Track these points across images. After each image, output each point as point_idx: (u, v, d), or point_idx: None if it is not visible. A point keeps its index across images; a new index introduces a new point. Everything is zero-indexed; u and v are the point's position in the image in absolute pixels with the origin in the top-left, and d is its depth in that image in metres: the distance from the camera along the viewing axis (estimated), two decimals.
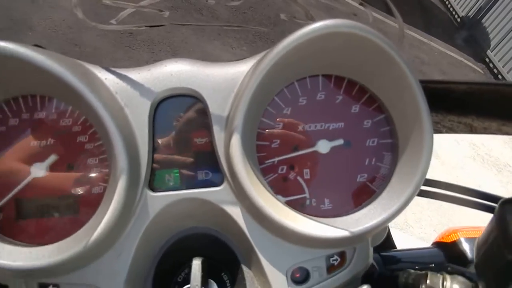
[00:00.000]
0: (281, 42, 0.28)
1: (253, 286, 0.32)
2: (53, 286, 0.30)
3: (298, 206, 0.32)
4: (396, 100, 0.31)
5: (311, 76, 0.32)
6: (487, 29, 6.52)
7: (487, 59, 6.31)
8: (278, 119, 0.33)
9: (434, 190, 0.45)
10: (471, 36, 6.98)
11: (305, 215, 0.30)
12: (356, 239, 0.30)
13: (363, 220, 0.29)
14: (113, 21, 0.33)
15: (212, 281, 0.31)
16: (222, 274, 0.33)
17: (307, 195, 0.32)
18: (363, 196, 0.32)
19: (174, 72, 0.30)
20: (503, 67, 5.82)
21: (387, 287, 0.35)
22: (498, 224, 0.27)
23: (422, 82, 0.31)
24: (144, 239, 0.31)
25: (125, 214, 0.30)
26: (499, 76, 5.84)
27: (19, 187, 0.29)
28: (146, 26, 0.34)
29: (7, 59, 0.27)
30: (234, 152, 0.28)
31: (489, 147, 4.10)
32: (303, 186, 0.32)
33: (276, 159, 0.32)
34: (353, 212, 0.31)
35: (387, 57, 0.30)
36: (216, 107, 0.30)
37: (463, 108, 0.36)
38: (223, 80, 0.30)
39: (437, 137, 0.34)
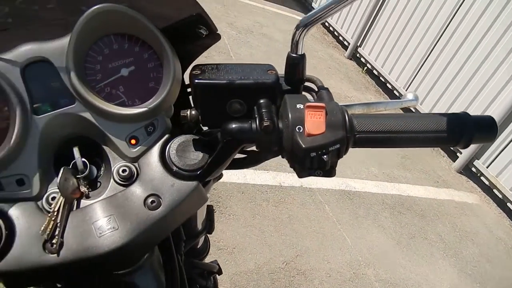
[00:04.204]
0: (78, 21, 0.51)
1: (113, 156, 0.53)
2: None
3: (121, 106, 0.54)
4: (153, 40, 0.55)
5: (106, 35, 0.54)
6: None
7: None
8: (95, 63, 0.54)
9: None
10: None
11: (125, 107, 0.54)
12: (154, 111, 0.54)
13: (153, 102, 0.54)
14: None
15: (87, 162, 0.52)
16: (95, 158, 0.54)
17: (125, 99, 0.55)
18: (153, 92, 0.56)
19: (29, 49, 0.51)
20: None
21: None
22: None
23: (162, 29, 0.55)
24: (41, 142, 0.50)
25: (25, 129, 0.49)
26: (326, 24, 6.62)
27: None
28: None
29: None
30: (74, 82, 0.50)
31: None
32: (121, 95, 0.55)
33: (101, 83, 0.54)
34: (149, 100, 0.55)
35: (135, 19, 0.53)
36: (58, 62, 0.51)
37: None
38: (57, 46, 0.52)
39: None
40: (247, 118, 0.52)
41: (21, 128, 0.48)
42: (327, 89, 0.55)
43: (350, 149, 0.51)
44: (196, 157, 0.53)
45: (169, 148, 0.54)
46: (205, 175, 0.53)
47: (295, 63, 0.54)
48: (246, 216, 2.42)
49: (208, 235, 0.95)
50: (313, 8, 6.48)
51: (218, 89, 0.52)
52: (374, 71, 5.43)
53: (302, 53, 0.54)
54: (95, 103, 0.51)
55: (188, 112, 0.55)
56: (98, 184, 0.53)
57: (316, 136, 0.47)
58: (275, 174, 2.89)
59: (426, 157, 4.13)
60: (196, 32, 0.57)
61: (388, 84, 5.17)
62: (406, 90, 4.82)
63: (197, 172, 0.53)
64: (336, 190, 3.03)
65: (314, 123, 0.47)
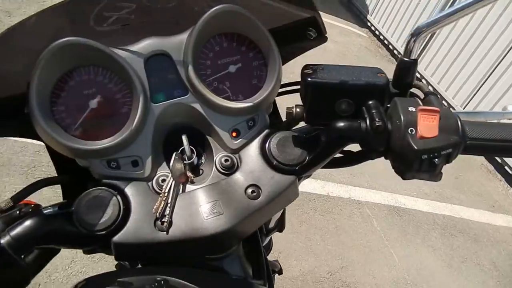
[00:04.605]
0: (200, 20, 0.55)
1: (215, 146, 0.57)
2: (113, 161, 0.53)
3: (227, 100, 0.58)
4: (261, 40, 0.59)
5: (217, 34, 0.59)
6: None
7: (368, 24, 6.99)
8: (207, 59, 0.58)
9: None
10: (352, 5, 7.64)
11: (230, 101, 0.57)
12: (256, 107, 0.57)
13: (257, 99, 0.57)
14: None
15: (193, 148, 0.57)
16: (197, 147, 0.58)
17: (230, 94, 0.59)
18: (256, 89, 0.59)
19: (151, 43, 0.57)
20: (382, 28, 6.50)
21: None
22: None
23: (269, 30, 0.59)
24: (156, 128, 0.55)
25: (145, 115, 0.54)
26: (381, 37, 6.52)
27: (86, 113, 0.53)
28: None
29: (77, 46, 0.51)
30: (191, 75, 0.55)
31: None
32: (227, 90, 0.59)
33: (210, 78, 0.58)
34: (252, 96, 0.58)
35: (248, 19, 0.57)
36: (176, 56, 0.56)
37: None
38: (176, 42, 0.57)
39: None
40: (353, 118, 0.53)
41: (142, 113, 0.53)
42: (435, 94, 0.56)
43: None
44: (296, 152, 0.56)
45: (269, 143, 0.57)
46: (303, 171, 0.55)
47: (407, 67, 0.56)
48: (293, 222, 2.43)
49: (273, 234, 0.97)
50: (368, 21, 6.39)
51: (330, 88, 0.54)
52: (430, 87, 5.26)
53: (415, 58, 0.55)
54: (206, 95, 0.55)
55: (294, 109, 0.58)
56: (201, 171, 0.57)
57: (428, 139, 0.47)
58: (324, 183, 2.88)
59: (481, 180, 3.93)
60: (305, 34, 0.60)
61: (444, 101, 4.99)
62: (463, 109, 4.63)
63: (296, 167, 0.55)
64: (385, 205, 2.96)
65: (427, 126, 0.48)
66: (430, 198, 3.28)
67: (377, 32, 6.71)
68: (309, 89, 0.54)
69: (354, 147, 0.56)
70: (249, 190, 0.53)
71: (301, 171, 0.55)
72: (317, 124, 0.58)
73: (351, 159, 0.62)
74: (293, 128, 0.63)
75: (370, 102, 0.53)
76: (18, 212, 0.50)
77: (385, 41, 6.41)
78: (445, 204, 3.31)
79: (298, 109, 0.57)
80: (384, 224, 2.77)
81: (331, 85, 0.54)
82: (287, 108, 0.58)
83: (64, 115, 0.53)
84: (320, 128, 0.56)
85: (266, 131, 0.58)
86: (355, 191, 2.95)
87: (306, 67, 0.56)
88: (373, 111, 0.51)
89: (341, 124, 0.52)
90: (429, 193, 3.33)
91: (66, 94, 0.53)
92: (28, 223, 0.45)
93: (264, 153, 0.56)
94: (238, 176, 0.55)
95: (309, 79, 0.54)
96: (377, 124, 0.50)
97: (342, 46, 5.70)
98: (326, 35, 0.60)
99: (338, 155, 0.59)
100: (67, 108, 0.53)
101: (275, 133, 0.57)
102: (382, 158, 0.55)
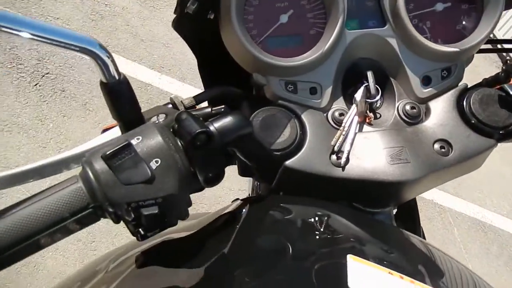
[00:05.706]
0: None
1: (399, 91, 0.52)
2: (291, 84, 0.50)
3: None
4: None
5: None
6: None
7: None
8: None
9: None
10: None
11: (433, 43, 0.51)
12: (457, 55, 0.51)
13: (463, 45, 0.51)
14: None
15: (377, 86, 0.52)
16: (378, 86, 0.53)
17: (429, 35, 0.53)
18: (457, 36, 0.53)
19: None
20: (499, 31, 5.89)
21: None
22: None
23: None
24: (343, 57, 0.51)
25: (337, 40, 0.50)
26: None
27: (274, 26, 0.51)
28: None
29: None
30: (400, 4, 0.50)
31: None
32: (426, 30, 0.53)
33: (412, 14, 0.52)
34: (452, 43, 0.52)
35: None
36: None
37: None
38: None
39: None
40: None
41: (336, 37, 0.49)
42: None
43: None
44: (502, 114, 0.49)
45: (468, 98, 0.50)
46: (506, 136, 0.49)
47: None
48: None
49: None
50: None
51: None
52: None
53: None
54: (409, 30, 0.50)
55: None
56: (378, 115, 0.53)
57: None
58: None
59: None
60: None
61: None
62: None
63: (500, 130, 0.48)
64: (470, 216, 2.74)
65: None
66: None
67: (491, 36, 6.10)
68: None
69: None
70: (437, 145, 0.48)
71: (504, 136, 0.48)
72: None
73: None
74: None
75: None
76: (211, 110, 0.48)
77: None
78: None
79: None
80: (465, 236, 2.57)
81: None
82: (507, 59, 0.50)
83: (253, 24, 0.51)
84: None
85: (463, 85, 0.52)
86: (439, 194, 2.75)
87: None
88: None
89: None
90: None
91: (259, 3, 0.51)
92: (229, 119, 0.42)
93: (461, 109, 0.50)
94: (425, 126, 0.49)
95: None
96: None
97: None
98: None
99: None
100: (258, 18, 0.51)
101: (476, 89, 0.51)
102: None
